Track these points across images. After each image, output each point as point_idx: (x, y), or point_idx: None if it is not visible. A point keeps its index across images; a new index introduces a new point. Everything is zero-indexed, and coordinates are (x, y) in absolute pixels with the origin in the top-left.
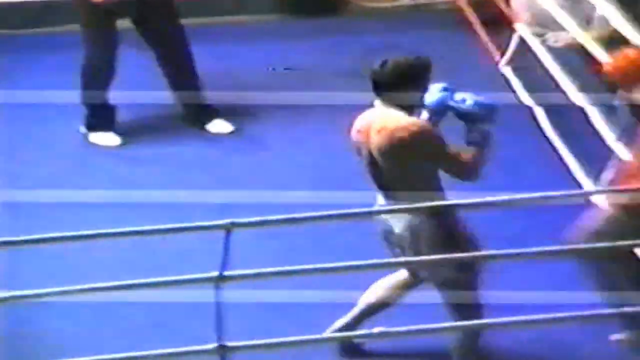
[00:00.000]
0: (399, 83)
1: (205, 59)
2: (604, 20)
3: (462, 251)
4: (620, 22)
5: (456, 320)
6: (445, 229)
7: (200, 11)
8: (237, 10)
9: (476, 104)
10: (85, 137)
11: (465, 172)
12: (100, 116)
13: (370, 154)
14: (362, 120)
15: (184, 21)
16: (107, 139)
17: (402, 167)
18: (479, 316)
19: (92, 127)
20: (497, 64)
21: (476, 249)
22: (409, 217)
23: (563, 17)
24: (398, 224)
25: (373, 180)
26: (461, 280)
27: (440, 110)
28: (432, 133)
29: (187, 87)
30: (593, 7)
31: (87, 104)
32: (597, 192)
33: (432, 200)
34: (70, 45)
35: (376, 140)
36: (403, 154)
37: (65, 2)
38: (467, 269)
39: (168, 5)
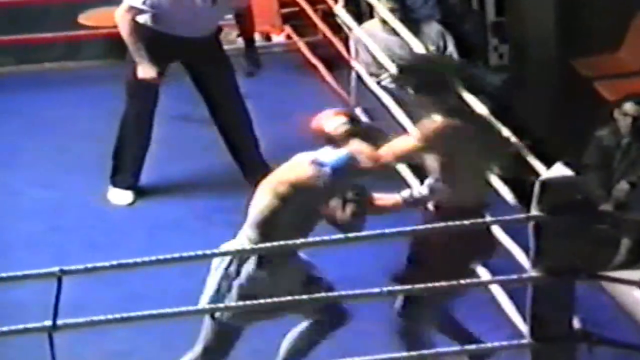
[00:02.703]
0: None
1: (39, 106)
2: None
3: None
4: None
5: None
6: None
7: (32, 57)
8: (69, 55)
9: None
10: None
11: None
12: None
13: None
14: None
15: (12, 68)
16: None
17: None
18: None
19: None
20: (347, 104)
21: None
22: None
23: (387, 62)
24: None
25: None
26: None
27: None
28: None
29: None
30: None
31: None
32: None
33: None
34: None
35: None
36: None
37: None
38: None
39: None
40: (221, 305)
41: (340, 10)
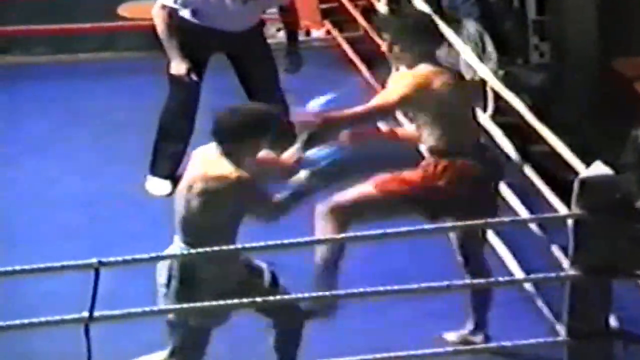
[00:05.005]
0: (237, 134)
1: (75, 96)
2: (469, 67)
3: None
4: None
5: None
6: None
7: (68, 47)
8: (106, 47)
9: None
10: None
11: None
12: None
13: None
14: (198, 157)
15: (48, 58)
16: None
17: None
18: None
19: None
20: None
21: None
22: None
23: None
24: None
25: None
26: None
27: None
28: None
29: None
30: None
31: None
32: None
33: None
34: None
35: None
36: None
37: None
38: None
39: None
40: (246, 300)
41: (382, 7)
